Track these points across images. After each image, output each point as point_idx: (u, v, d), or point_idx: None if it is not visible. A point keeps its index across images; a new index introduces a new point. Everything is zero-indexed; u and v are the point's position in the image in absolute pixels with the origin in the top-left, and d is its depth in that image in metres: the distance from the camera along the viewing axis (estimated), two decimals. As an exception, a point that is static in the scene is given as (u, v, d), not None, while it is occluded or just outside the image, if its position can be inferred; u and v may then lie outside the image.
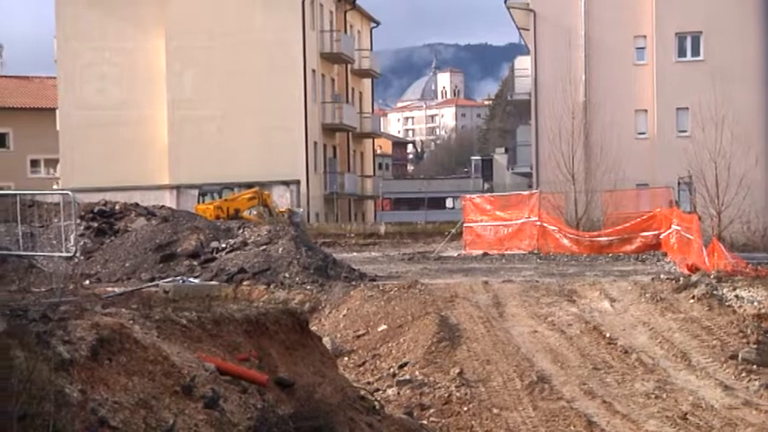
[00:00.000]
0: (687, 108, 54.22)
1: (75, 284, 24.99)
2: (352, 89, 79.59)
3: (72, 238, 27.82)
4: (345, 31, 76.39)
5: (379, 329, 23.90)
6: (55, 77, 71.54)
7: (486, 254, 39.11)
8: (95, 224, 32.12)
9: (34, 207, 29.42)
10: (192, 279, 27.20)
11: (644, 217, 39.65)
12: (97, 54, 65.72)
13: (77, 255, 28.41)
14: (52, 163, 74.46)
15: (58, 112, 69.54)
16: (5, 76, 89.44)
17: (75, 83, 67.28)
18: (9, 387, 11.43)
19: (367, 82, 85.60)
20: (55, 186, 60.29)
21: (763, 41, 52.28)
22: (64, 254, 27.61)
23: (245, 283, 26.97)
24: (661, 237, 37.33)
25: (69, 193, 31.37)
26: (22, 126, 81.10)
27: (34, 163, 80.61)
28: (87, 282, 26.93)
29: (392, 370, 21.93)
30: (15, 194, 30.91)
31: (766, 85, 51.92)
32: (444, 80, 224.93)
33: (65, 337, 13.38)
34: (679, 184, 47.69)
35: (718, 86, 48.37)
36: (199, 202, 52.91)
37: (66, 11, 68.56)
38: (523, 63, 64.16)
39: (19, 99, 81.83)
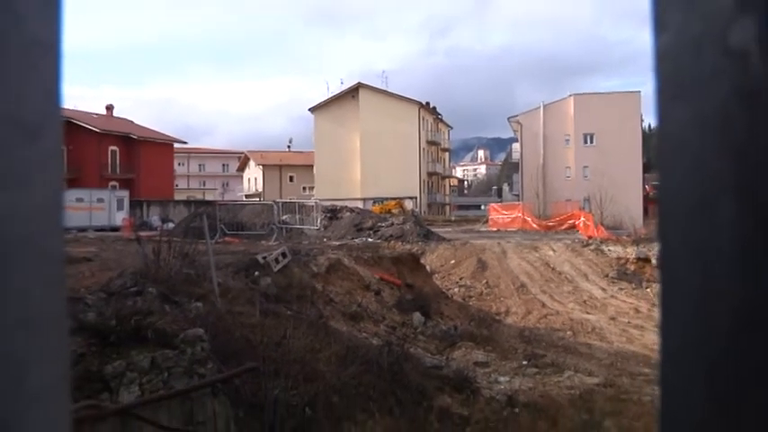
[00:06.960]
0: (588, 166, 53.04)
1: (319, 241, 25.48)
2: (440, 156, 78.78)
3: (318, 221, 28.30)
4: (437, 131, 75.78)
5: (451, 263, 23.69)
6: (313, 151, 72.47)
7: (498, 230, 38.44)
8: (328, 215, 32.46)
9: (303, 207, 29.94)
10: (369, 239, 27.40)
11: (568, 214, 38.65)
12: (329, 139, 66.40)
13: (321, 228, 28.88)
14: (311, 188, 75.27)
15: (314, 166, 70.60)
16: (294, 152, 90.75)
17: (322, 153, 68.04)
18: (291, 284, 11.65)
19: (446, 153, 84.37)
20: (312, 198, 61.09)
21: (627, 137, 50.81)
22: (314, 227, 28.04)
23: (392, 241, 27.02)
24: (576, 223, 36.26)
25: (317, 201, 32.00)
26: (300, 173, 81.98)
27: (304, 188, 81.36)
28: (324, 240, 27.30)
29: (456, 280, 21.81)
30: (296, 202, 31.51)
31: (625, 157, 50.31)
32: (481, 153, 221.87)
33: (315, 263, 13.61)
34: (584, 199, 46.50)
35: (603, 158, 49.19)
36: (373, 205, 53.29)
37: (317, 120, 69.37)
38: (516, 146, 63.03)
39: (298, 161, 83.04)
